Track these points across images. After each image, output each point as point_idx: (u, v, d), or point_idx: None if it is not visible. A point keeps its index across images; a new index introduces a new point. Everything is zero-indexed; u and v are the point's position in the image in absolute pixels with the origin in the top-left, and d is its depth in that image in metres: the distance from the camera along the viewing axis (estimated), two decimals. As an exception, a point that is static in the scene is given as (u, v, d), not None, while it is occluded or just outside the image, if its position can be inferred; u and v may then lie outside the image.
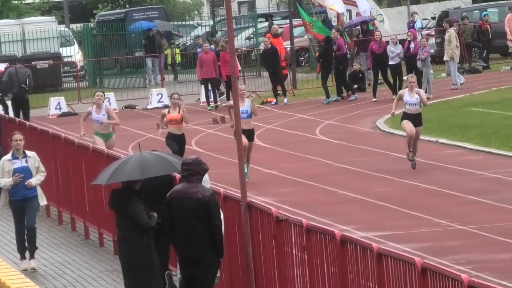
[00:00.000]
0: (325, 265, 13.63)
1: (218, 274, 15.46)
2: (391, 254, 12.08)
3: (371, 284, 12.34)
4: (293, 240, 14.65)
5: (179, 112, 26.79)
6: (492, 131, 34.45)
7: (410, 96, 26.78)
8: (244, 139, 23.14)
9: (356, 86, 48.02)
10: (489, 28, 53.14)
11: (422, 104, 27.57)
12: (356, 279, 12.70)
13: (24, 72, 41.78)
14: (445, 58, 46.63)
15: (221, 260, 15.22)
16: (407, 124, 27.07)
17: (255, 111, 26.46)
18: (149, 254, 15.61)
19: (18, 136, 21.45)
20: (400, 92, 27.32)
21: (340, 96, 46.29)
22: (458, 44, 47.22)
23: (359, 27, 52.05)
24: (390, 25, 51.25)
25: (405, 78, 45.04)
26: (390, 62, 45.33)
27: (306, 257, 14.20)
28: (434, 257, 18.94)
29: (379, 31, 47.54)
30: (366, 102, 45.38)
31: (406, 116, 27.09)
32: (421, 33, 49.79)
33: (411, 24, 50.62)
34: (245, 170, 23.28)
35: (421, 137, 35.20)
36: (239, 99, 22.73)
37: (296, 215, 18.39)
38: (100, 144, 26.41)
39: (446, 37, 46.30)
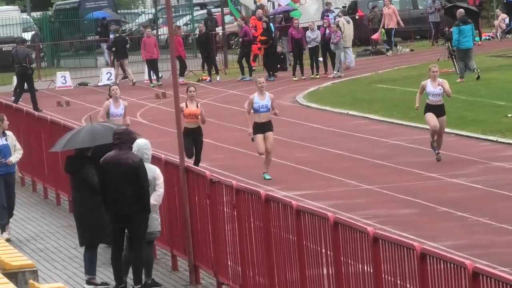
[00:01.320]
0: (252, 221, 13.72)
1: (160, 229, 15.46)
2: (307, 210, 12.23)
3: (290, 237, 12.45)
4: (224, 199, 14.77)
5: (197, 107, 23.05)
6: (393, 104, 34.61)
7: (433, 87, 23.38)
8: (262, 147, 22.26)
9: (278, 66, 47.90)
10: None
11: (445, 94, 24.00)
12: (278, 232, 12.80)
13: (23, 51, 41.67)
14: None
15: (158, 216, 15.31)
16: (431, 118, 23.58)
17: (274, 108, 23.00)
18: (99, 212, 15.60)
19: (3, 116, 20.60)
20: (423, 83, 23.79)
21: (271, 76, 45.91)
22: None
23: (281, 14, 51.93)
24: (311, 13, 51.08)
25: (320, 59, 45.39)
26: (309, 46, 45.22)
27: (235, 213, 14.28)
28: (345, 212, 18.88)
29: (297, 19, 47.71)
30: (287, 80, 45.31)
31: (428, 107, 23.67)
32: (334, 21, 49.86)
33: (326, 13, 50.33)
34: (267, 177, 22.29)
35: (334, 109, 35.52)
36: (258, 92, 22.44)
37: (227, 178, 18.68)
38: None
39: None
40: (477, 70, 38.05)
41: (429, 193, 21.69)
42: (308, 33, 45.46)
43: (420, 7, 56.79)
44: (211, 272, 15.27)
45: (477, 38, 49.13)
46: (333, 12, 52.03)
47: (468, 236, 18.27)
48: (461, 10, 41.49)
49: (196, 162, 22.12)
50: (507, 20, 54.63)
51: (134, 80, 48.56)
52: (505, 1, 56.14)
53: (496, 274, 8.54)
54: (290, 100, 39.76)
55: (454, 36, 38.78)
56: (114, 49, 50.27)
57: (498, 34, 53.77)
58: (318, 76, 45.26)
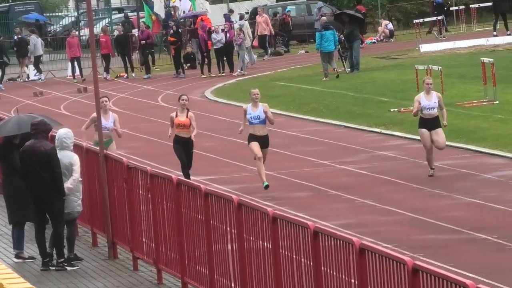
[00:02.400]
0: (165, 203, 13.79)
1: (78, 209, 15.53)
2: (215, 193, 12.43)
3: (199, 216, 12.54)
4: (140, 183, 14.85)
5: (187, 117, 19.81)
6: (290, 100, 34.79)
7: (428, 100, 19.34)
8: (258, 150, 19.32)
9: (189, 64, 47.96)
10: (290, 21, 53.89)
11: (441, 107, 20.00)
12: (188, 212, 12.92)
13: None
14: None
15: (77, 198, 15.30)
16: (425, 137, 19.61)
17: (270, 119, 19.44)
18: (26, 194, 15.68)
19: None
20: (416, 97, 19.83)
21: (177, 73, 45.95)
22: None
23: (191, 19, 52.05)
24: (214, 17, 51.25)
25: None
26: (214, 47, 45.31)
27: (150, 196, 14.45)
28: (248, 195, 18.77)
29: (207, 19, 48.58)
30: (196, 77, 45.28)
31: (422, 122, 19.54)
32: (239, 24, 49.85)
33: (228, 17, 50.60)
34: (264, 184, 19.47)
35: (238, 103, 35.00)
36: (252, 103, 19.41)
37: (143, 164, 18.62)
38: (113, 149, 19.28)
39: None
40: (336, 69, 38.94)
41: (321, 178, 21.83)
42: (214, 35, 45.55)
43: (313, 13, 56.63)
44: (127, 248, 15.34)
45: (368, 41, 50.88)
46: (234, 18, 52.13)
47: (355, 216, 18.50)
48: (324, 18, 43.94)
49: (187, 169, 20.03)
50: (389, 26, 54.80)
51: (24, 78, 49.60)
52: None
53: (380, 250, 8.80)
54: (199, 95, 39.62)
55: (317, 40, 39.56)
56: (15, 48, 50.39)
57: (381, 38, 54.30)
58: (224, 74, 45.14)
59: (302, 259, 10.05)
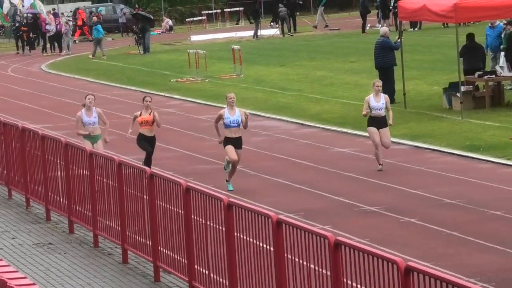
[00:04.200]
0: (106, 181, 11.56)
1: None
2: (129, 164, 11.14)
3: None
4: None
5: (150, 114, 15.76)
6: (102, 72, 35.04)
7: (376, 101, 15.56)
8: (234, 155, 14.37)
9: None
10: (101, 17, 48.89)
11: (386, 108, 15.76)
12: (131, 191, 10.80)
13: None
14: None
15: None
16: (373, 134, 15.58)
17: (245, 125, 14.76)
18: None
19: None
20: (366, 98, 15.88)
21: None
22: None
23: (31, 15, 48.44)
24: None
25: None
26: (48, 34, 45.38)
27: (88, 174, 12.00)
28: (160, 171, 14.22)
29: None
30: (38, 56, 44.95)
31: (372, 120, 15.70)
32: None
33: (56, 14, 47.76)
34: (230, 188, 14.57)
35: (65, 74, 36.00)
36: (229, 107, 14.56)
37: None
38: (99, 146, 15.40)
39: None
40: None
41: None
42: (48, 26, 45.48)
43: (117, 12, 55.62)
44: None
45: (155, 33, 48.67)
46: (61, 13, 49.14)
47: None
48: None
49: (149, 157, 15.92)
50: (170, 22, 53.21)
51: None
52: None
53: (296, 224, 7.63)
54: (37, 68, 39.92)
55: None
56: None
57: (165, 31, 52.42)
58: (55, 53, 45.28)
59: (216, 226, 8.81)
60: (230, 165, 14.58)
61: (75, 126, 15.88)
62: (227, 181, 14.71)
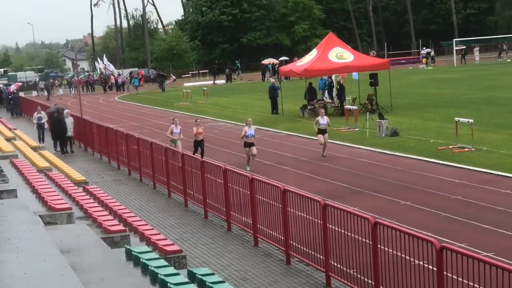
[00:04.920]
0: None
1: None
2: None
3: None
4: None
5: (201, 128, 19.56)
6: None
7: (323, 120, 19.70)
8: (254, 150, 18.64)
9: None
10: None
11: (328, 124, 20.21)
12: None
13: None
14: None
15: None
16: (320, 137, 19.81)
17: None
18: None
19: None
20: (317, 118, 20.20)
21: None
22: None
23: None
24: None
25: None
26: None
27: None
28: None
29: None
30: (113, 93, 54.04)
31: (320, 131, 19.79)
32: None
33: None
34: (248, 168, 18.33)
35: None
36: (248, 127, 18.62)
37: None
38: (179, 146, 19.20)
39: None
40: None
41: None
42: (118, 79, 60.51)
43: (149, 73, 70.64)
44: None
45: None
46: None
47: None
48: None
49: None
50: (174, 77, 68.28)
51: None
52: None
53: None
54: (113, 99, 48.44)
55: None
56: None
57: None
58: (121, 92, 56.38)
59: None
60: (249, 163, 18.93)
61: (168, 132, 19.86)
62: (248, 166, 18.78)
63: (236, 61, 67.73)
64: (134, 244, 8.66)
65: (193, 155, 16.40)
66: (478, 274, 6.97)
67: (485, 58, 60.96)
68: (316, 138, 20.54)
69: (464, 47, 61.21)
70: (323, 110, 20.39)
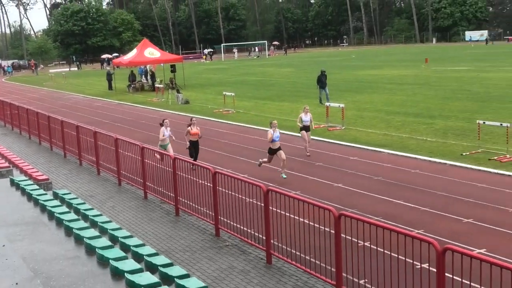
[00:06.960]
0: None
1: None
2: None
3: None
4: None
5: (197, 129, 13.80)
6: None
7: (305, 117, 15.19)
8: (283, 154, 13.07)
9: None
10: None
11: (311, 121, 15.54)
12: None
13: None
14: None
15: None
16: (303, 133, 15.26)
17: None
18: None
19: None
20: (300, 115, 15.40)
21: None
22: None
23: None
24: None
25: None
26: None
27: None
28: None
29: None
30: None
31: (303, 128, 15.30)
32: None
33: None
34: (284, 176, 13.06)
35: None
36: (274, 129, 13.21)
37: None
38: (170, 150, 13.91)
39: None
40: None
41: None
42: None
43: None
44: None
45: None
46: None
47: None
48: None
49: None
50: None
51: None
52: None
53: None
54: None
55: None
56: None
57: None
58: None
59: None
60: (262, 163, 13.90)
61: (160, 138, 13.97)
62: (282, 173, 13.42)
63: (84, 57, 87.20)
64: (16, 176, 9.24)
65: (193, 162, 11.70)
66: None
67: (241, 56, 77.09)
68: (299, 134, 16.25)
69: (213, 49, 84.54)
70: (307, 107, 16.28)
